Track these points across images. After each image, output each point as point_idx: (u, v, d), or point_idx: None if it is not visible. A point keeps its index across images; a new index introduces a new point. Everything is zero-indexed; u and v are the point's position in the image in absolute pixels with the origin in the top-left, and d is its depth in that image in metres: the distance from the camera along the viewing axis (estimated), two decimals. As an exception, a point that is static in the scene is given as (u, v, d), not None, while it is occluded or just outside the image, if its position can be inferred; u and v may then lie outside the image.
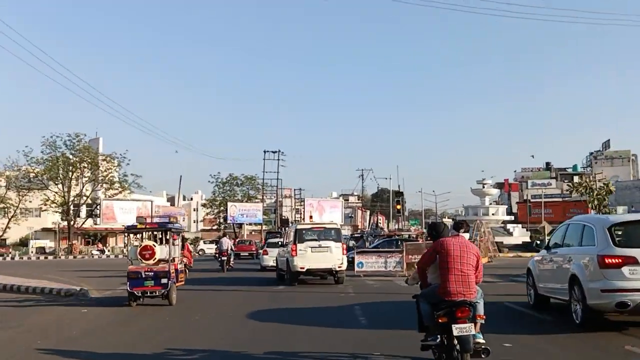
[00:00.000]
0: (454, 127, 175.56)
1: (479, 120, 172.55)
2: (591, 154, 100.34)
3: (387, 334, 8.66)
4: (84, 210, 54.62)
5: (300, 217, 69.78)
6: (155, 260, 12.56)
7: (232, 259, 26.26)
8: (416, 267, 6.62)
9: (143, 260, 12.55)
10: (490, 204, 53.72)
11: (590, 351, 7.41)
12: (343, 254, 17.28)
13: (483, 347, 5.81)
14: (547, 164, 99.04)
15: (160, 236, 13.83)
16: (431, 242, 6.52)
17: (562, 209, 62.74)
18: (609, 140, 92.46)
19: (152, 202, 50.40)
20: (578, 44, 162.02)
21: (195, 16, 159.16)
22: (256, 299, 13.95)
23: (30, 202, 51.46)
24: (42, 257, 45.60)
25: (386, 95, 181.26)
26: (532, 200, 59.12)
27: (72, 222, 50.48)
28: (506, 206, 56.85)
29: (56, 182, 50.55)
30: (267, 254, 24.40)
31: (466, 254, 6.02)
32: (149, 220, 14.18)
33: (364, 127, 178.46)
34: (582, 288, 8.47)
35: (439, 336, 5.90)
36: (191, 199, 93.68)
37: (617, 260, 8.02)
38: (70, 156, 50.30)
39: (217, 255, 26.50)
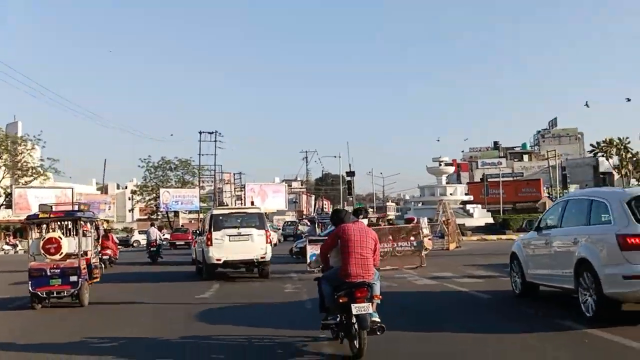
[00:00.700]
0: (402, 108, 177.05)
1: (427, 100, 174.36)
2: (538, 132, 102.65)
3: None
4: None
5: (242, 204, 67.59)
6: (63, 255, 11.59)
7: (162, 249, 26.18)
8: (319, 251, 7.31)
9: (47, 256, 11.57)
10: (447, 182, 52.86)
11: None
12: (267, 242, 16.02)
13: (379, 324, 6.33)
14: (495, 143, 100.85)
15: (70, 227, 12.87)
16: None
17: (514, 189, 63.21)
18: (556, 118, 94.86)
19: (72, 189, 46.74)
20: (524, 19, 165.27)
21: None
22: (181, 297, 12.55)
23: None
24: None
25: (332, 74, 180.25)
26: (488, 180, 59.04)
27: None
28: (464, 185, 55.72)
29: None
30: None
31: (365, 239, 6.69)
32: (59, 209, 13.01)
33: (308, 109, 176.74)
34: (597, 274, 7.33)
35: (338, 316, 6.50)
36: (125, 187, 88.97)
37: (642, 240, 6.71)
38: None
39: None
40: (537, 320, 8.10)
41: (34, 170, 48.94)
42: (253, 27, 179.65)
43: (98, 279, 12.90)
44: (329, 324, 6.71)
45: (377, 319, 6.43)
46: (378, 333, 6.36)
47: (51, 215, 12.04)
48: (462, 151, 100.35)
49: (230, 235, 15.65)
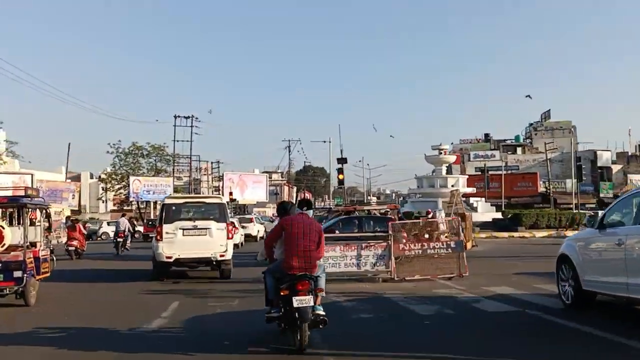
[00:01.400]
0: (393, 98, 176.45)
1: (418, 92, 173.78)
2: (531, 124, 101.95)
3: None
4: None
5: (219, 195, 65.63)
6: (5, 247, 10.80)
7: (128, 241, 26.40)
8: (264, 243, 7.64)
9: None
10: (448, 173, 50.54)
11: None
12: (229, 238, 14.55)
13: (321, 317, 6.65)
14: (486, 135, 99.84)
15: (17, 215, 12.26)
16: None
17: (510, 183, 62.14)
18: (549, 110, 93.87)
19: (32, 175, 44.36)
20: (514, 8, 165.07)
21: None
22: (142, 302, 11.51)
23: None
24: None
25: (317, 60, 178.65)
26: (478, 172, 57.58)
27: None
28: (466, 176, 52.97)
29: None
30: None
31: (309, 231, 6.95)
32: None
33: (290, 96, 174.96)
34: None
35: (281, 308, 6.75)
36: (99, 176, 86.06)
37: None
38: None
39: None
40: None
41: None
42: (234, 9, 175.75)
43: (48, 274, 12.06)
44: (272, 317, 6.91)
45: (322, 312, 6.71)
46: (321, 327, 6.67)
47: None
48: (452, 143, 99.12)
49: (184, 229, 14.18)
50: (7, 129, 52.52)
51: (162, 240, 14.04)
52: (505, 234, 35.27)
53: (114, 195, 63.95)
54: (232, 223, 18.24)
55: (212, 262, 14.42)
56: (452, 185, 42.87)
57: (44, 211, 12.68)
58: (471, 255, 19.15)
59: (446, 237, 15.28)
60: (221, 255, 14.24)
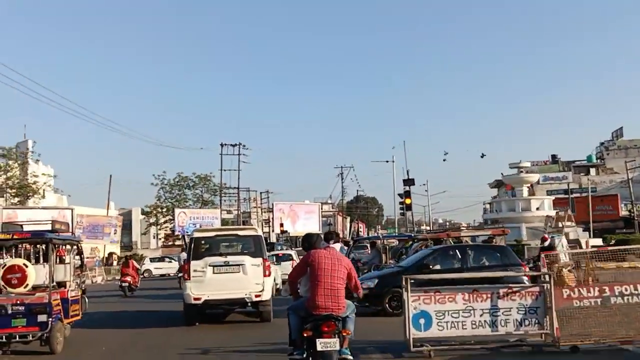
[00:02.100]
0: (448, 121, 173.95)
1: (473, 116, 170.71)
2: (602, 144, 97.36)
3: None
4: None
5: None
6: (28, 288, 10.37)
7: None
8: (288, 278, 7.49)
9: (9, 289, 10.39)
10: (531, 194, 46.05)
11: None
12: (266, 275, 13.44)
13: None
14: (554, 156, 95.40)
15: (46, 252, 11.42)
16: None
17: (586, 206, 58.14)
18: (621, 128, 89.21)
19: (72, 210, 43.54)
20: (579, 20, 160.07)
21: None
22: None
23: None
24: None
25: (370, 86, 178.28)
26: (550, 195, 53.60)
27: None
28: (553, 197, 48.08)
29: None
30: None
31: (337, 267, 6.74)
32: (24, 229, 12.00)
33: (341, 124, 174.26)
34: None
35: (305, 351, 6.59)
36: (142, 210, 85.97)
37: None
38: None
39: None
40: None
41: (22, 189, 46.44)
42: (279, 31, 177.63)
43: (79, 317, 11.79)
44: (294, 359, 6.73)
45: (349, 357, 6.63)
46: None
47: (14, 237, 10.76)
48: (502, 174, 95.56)
49: (214, 266, 13.24)
50: (55, 163, 52.26)
51: (190, 279, 13.17)
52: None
53: (158, 229, 62.82)
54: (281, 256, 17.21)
55: (246, 303, 13.46)
56: (537, 208, 39.11)
57: (75, 248, 12.19)
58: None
59: (569, 270, 12.34)
60: (257, 296, 13.15)
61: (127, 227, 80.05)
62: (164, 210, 59.33)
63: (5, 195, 46.22)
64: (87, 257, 19.04)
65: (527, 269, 12.25)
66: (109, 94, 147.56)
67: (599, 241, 38.71)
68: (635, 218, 56.16)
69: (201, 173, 60.54)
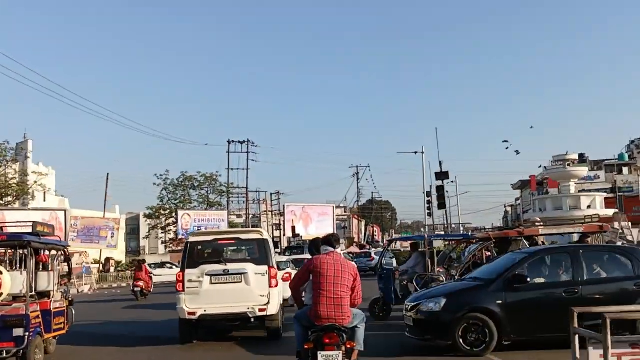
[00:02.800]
0: (468, 124, 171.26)
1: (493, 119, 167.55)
2: (632, 142, 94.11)
3: None
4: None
5: (281, 231, 60.91)
6: (3, 298, 9.90)
7: None
8: (289, 286, 7.37)
9: None
10: (581, 190, 41.00)
11: None
12: (272, 285, 12.39)
13: None
14: (581, 155, 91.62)
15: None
16: None
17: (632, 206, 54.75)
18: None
19: (66, 211, 41.18)
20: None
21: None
22: None
23: None
24: None
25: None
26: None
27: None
28: (604, 194, 43.69)
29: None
30: None
31: (341, 274, 6.58)
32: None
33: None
34: None
35: None
36: (145, 213, 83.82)
37: None
38: None
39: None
40: None
41: (9, 188, 44.17)
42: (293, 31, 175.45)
43: (63, 331, 11.43)
44: None
45: None
46: None
47: None
48: (540, 166, 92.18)
49: (211, 275, 12.29)
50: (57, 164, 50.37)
51: (183, 290, 12.19)
52: None
53: (161, 233, 60.07)
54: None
55: (249, 319, 12.32)
56: (588, 206, 35.14)
57: (60, 253, 11.73)
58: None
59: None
60: (261, 310, 12.11)
61: (134, 232, 78.26)
62: (167, 212, 56.63)
63: None
64: (76, 264, 17.37)
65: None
66: (112, 87, 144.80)
67: None
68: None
69: (207, 172, 58.64)
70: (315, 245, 7.21)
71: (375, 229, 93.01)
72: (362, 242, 70.81)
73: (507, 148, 52.08)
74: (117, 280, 43.24)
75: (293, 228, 54.77)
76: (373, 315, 14.76)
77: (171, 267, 40.48)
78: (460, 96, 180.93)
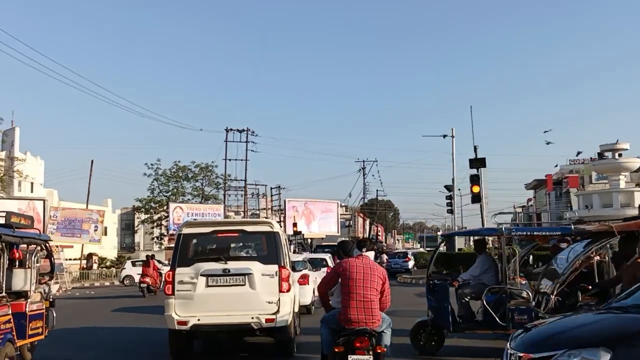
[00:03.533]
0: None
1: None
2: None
3: None
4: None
5: (282, 227, 58.02)
6: None
7: None
8: (317, 289, 7.85)
9: None
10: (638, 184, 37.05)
11: None
12: (283, 290, 10.45)
13: None
14: (600, 154, 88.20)
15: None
16: None
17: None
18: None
19: (45, 201, 38.78)
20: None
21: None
22: None
23: None
24: None
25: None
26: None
27: None
28: None
29: None
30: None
31: (370, 277, 6.72)
32: None
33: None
34: None
35: None
36: (133, 205, 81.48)
37: None
38: None
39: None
40: None
41: None
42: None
43: (42, 336, 10.52)
44: None
45: None
46: None
47: None
48: (556, 165, 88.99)
49: (208, 276, 10.47)
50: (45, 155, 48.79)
51: (173, 294, 10.43)
52: None
53: (152, 227, 57.28)
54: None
55: (253, 330, 10.67)
56: None
57: (39, 249, 10.84)
58: None
59: None
60: (268, 320, 10.33)
61: (129, 227, 75.70)
62: (158, 205, 53.97)
63: None
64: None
65: None
66: (109, 70, 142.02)
67: None
68: None
69: (202, 162, 56.64)
70: (343, 247, 7.33)
71: (379, 228, 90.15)
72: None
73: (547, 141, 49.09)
74: (100, 279, 40.49)
75: (294, 225, 51.99)
76: (417, 345, 10.52)
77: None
78: (468, 95, 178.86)
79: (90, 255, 43.44)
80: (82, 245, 41.36)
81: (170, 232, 51.24)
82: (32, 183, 50.57)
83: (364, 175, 70.62)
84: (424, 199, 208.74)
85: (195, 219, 40.59)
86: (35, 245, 10.79)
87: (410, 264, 39.06)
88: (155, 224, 58.18)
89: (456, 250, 33.68)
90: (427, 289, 10.82)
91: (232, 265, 10.60)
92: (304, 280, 16.30)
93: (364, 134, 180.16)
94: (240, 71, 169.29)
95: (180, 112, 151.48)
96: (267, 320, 10.35)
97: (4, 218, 9.88)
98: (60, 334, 12.46)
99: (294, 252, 36.15)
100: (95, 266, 43.46)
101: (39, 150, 51.21)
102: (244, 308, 10.41)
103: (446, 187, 34.03)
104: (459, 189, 42.07)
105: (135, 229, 62.99)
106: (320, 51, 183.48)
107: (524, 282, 11.14)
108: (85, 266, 41.67)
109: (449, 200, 32.58)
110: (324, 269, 19.52)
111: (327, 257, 23.90)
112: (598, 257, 10.21)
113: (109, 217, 64.87)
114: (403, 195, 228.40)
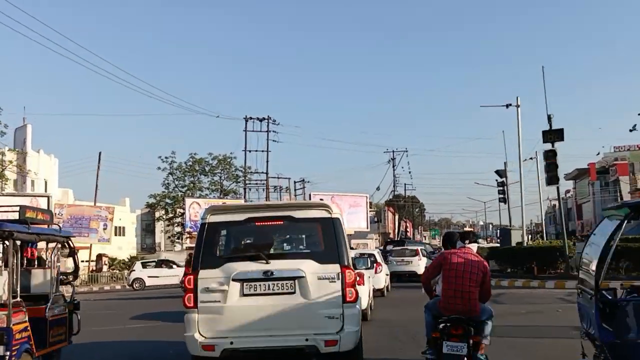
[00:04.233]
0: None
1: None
2: None
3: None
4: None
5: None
6: None
7: None
8: (420, 279, 8.44)
9: None
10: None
11: None
12: (349, 299, 8.10)
13: None
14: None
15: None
16: None
17: None
18: None
19: (49, 197, 37.25)
20: None
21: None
22: None
23: None
24: None
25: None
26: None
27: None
28: None
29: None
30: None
31: (470, 269, 7.11)
32: None
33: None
34: None
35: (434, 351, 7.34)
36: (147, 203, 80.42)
37: None
38: None
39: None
40: None
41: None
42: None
43: (65, 343, 9.90)
44: (425, 357, 7.41)
45: None
46: None
47: None
48: (598, 153, 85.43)
49: (244, 281, 8.10)
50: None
51: (195, 307, 8.12)
52: None
53: (168, 226, 55.21)
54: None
55: (307, 356, 8.22)
56: None
57: (58, 245, 10.09)
58: None
59: None
60: (329, 343, 7.85)
61: (149, 227, 74.21)
62: (173, 201, 52.18)
63: None
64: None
65: None
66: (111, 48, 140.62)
67: None
68: None
69: (220, 154, 55.18)
70: (450, 239, 7.73)
71: (407, 224, 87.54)
72: (396, 238, 65.25)
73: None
74: (111, 282, 38.17)
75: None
76: None
77: (171, 267, 35.08)
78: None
79: (99, 257, 41.39)
80: (90, 245, 39.59)
81: (187, 229, 49.37)
82: (45, 182, 50.33)
83: (393, 166, 67.57)
84: (452, 192, 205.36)
85: (224, 203, 37.73)
86: (55, 243, 10.20)
87: None
88: (170, 222, 57.11)
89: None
90: (598, 311, 5.90)
91: (277, 265, 8.36)
92: (359, 279, 13.91)
93: (394, 123, 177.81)
94: (261, 57, 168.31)
95: (198, 99, 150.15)
96: (327, 343, 8.01)
97: (17, 213, 8.82)
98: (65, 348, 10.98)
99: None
100: (105, 268, 41.35)
101: (52, 148, 50.56)
102: (294, 326, 8.21)
103: (497, 172, 31.03)
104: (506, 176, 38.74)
105: (146, 228, 61.62)
106: (346, 39, 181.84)
107: None
108: (94, 268, 39.58)
109: (500, 188, 29.68)
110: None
111: (376, 252, 22.46)
112: None
113: (128, 216, 63.47)
114: (430, 187, 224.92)
